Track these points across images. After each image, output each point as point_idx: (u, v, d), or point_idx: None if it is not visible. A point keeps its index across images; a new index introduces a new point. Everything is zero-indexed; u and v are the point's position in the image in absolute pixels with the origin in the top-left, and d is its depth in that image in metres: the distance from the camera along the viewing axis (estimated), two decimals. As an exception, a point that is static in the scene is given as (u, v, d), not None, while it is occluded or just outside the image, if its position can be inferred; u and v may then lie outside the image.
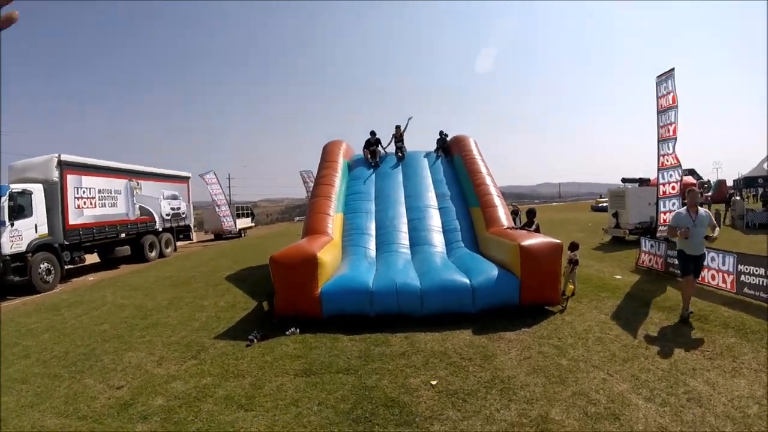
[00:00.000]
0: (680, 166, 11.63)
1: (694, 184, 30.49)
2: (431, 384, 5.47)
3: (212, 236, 35.79)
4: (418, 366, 6.04)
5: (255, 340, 7.37)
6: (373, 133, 14.85)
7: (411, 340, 7.02)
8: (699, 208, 7.42)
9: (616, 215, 18.12)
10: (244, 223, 37.52)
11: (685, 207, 7.73)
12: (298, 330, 7.68)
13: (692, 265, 7.50)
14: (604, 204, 32.73)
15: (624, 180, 19.80)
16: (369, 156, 14.81)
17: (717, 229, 7.65)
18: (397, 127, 15.25)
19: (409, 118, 14.64)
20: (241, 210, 38.39)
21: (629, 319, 7.59)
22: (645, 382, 5.18)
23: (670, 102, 11.50)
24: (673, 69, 11.43)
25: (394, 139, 15.29)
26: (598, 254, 14.82)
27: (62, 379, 6.44)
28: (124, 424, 4.97)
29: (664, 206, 12.01)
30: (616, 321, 7.55)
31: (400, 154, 15.10)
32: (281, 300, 8.24)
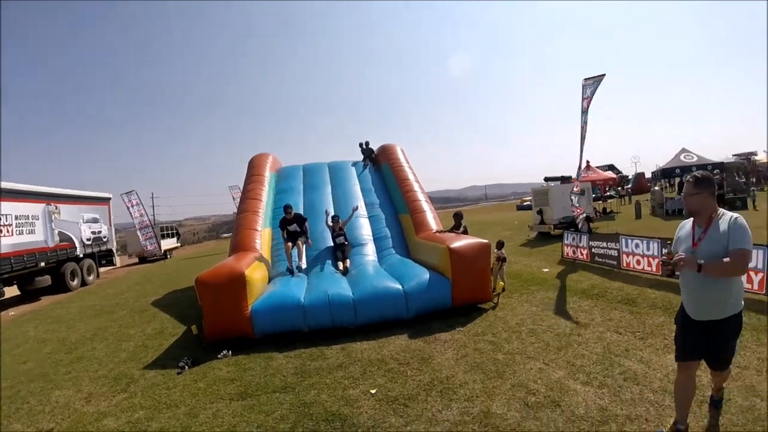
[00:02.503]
0: (583, 165, 12.32)
1: (613, 179, 32.04)
2: (371, 393, 5.37)
3: (136, 260, 34.14)
4: (356, 376, 5.93)
5: (186, 367, 7.05)
6: (287, 210, 10.67)
7: (347, 351, 6.90)
8: (721, 214, 3.54)
9: (540, 212, 18.87)
10: (169, 243, 36.14)
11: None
12: (230, 352, 7.42)
13: (694, 338, 3.77)
14: (529, 203, 33.80)
15: (546, 179, 20.58)
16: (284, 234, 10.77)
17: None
18: (335, 219, 11.05)
19: (354, 209, 11.90)
20: (165, 230, 36.98)
21: (560, 309, 7.79)
22: (581, 368, 5.30)
23: (587, 105, 12.18)
24: (603, 75, 12.07)
25: (331, 229, 11.22)
26: (526, 250, 15.22)
27: None
28: None
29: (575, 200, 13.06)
30: (548, 312, 7.72)
31: (340, 254, 10.62)
32: (211, 322, 7.91)
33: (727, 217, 3.49)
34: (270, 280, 9.57)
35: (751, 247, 3.38)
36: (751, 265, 7.53)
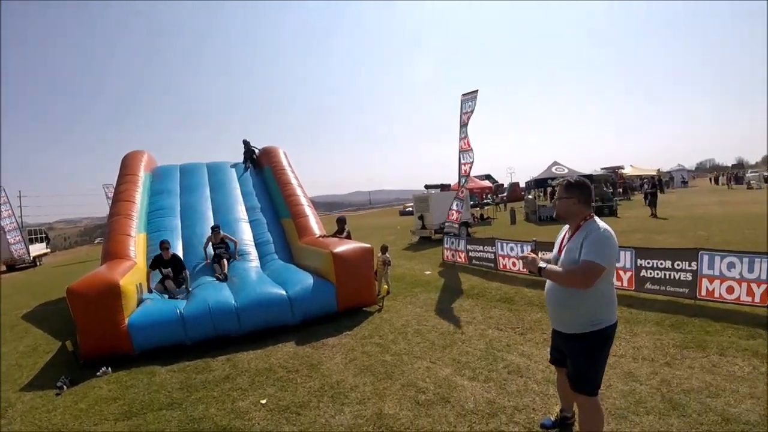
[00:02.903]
0: (467, 175, 13.18)
1: (489, 188, 33.67)
2: (261, 403, 5.20)
3: (3, 267, 29.52)
4: (245, 387, 5.73)
5: (65, 387, 6.45)
6: (164, 247, 9.34)
7: (233, 362, 6.64)
8: (589, 223, 3.32)
9: (421, 218, 19.47)
10: (38, 249, 32.05)
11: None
12: (110, 369, 6.90)
13: (555, 345, 3.79)
14: (411, 209, 34.55)
15: (427, 186, 21.22)
16: None
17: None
18: (215, 230, 10.56)
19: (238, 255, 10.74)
20: (34, 234, 32.69)
21: (443, 309, 8.02)
22: (466, 364, 5.46)
23: (467, 120, 12.69)
24: (476, 91, 12.62)
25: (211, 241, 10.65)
26: (409, 254, 15.57)
27: None
28: None
29: (455, 206, 13.44)
30: (431, 312, 7.93)
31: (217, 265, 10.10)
32: (86, 337, 7.27)
33: (594, 226, 3.24)
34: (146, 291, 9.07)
35: (602, 262, 3.07)
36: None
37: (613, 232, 3.22)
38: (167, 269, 9.10)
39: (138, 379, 6.44)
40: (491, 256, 10.75)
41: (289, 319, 7.85)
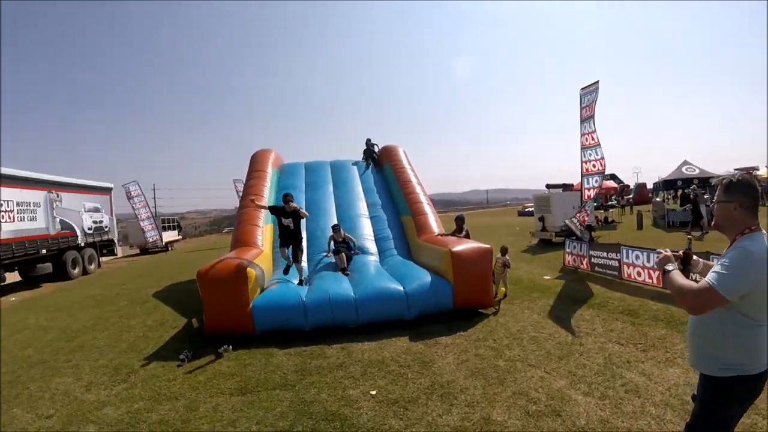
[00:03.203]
0: (603, 172, 12.01)
1: (614, 189, 31.93)
2: (371, 394, 5.36)
3: (137, 251, 34.00)
4: (357, 377, 5.93)
5: (186, 360, 7.05)
6: (287, 199, 9.65)
7: (347, 351, 6.90)
8: (747, 237, 2.53)
9: (542, 219, 18.72)
10: (170, 236, 36.02)
11: None
12: (230, 347, 7.41)
13: None
14: (530, 209, 33.66)
15: (548, 186, 20.52)
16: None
17: None
18: (336, 229, 10.86)
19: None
20: (167, 222, 36.79)
21: (561, 317, 7.76)
22: (582, 378, 5.27)
23: (591, 112, 11.93)
24: (597, 82, 11.84)
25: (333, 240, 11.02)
26: (527, 256, 15.19)
27: None
28: None
29: (587, 208, 12.47)
30: (549, 320, 7.70)
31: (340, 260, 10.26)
32: (211, 317, 7.91)
33: (748, 243, 2.45)
34: (271, 277, 9.60)
35: (721, 290, 2.33)
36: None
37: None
38: (288, 219, 9.44)
39: (256, 359, 6.88)
40: (615, 263, 10.20)
41: (404, 315, 8.00)
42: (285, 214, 9.42)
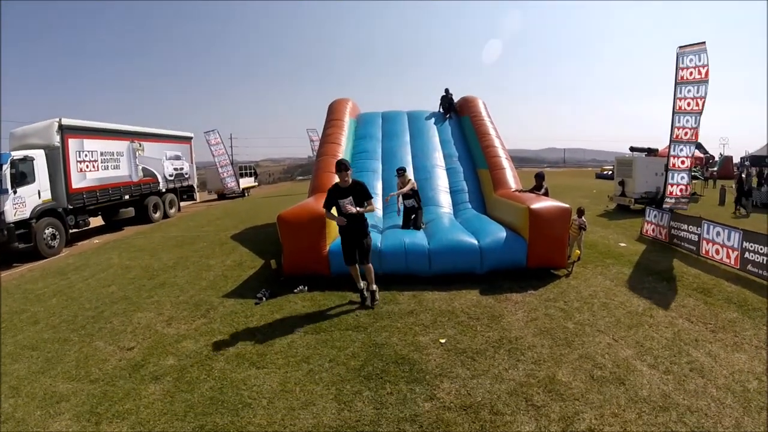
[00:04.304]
0: (695, 142, 11.21)
1: (699, 159, 30.02)
2: (440, 342, 5.58)
3: (215, 196, 35.56)
4: (427, 324, 6.15)
5: (264, 298, 7.44)
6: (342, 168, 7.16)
7: (419, 299, 7.11)
8: None
9: (622, 183, 17.95)
10: (247, 182, 37.25)
11: None
12: (306, 288, 7.75)
13: None
14: (609, 172, 32.42)
15: (632, 149, 19.56)
16: None
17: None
18: (401, 173, 9.91)
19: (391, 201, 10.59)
20: (244, 170, 38.06)
21: (634, 286, 7.65)
22: (649, 350, 5.26)
23: (698, 76, 10.85)
24: (704, 42, 10.93)
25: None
26: (603, 221, 14.81)
27: (72, 343, 6.42)
28: (137, 385, 5.04)
29: (673, 178, 11.55)
30: (621, 288, 7.60)
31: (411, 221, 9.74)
32: (289, 258, 8.27)
33: None
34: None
35: None
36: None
37: None
38: (346, 199, 6.79)
39: (330, 300, 7.23)
40: (695, 238, 9.81)
41: (476, 269, 8.11)
42: (340, 193, 6.84)
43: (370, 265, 7.02)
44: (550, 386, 4.46)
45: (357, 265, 7.01)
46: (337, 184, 6.98)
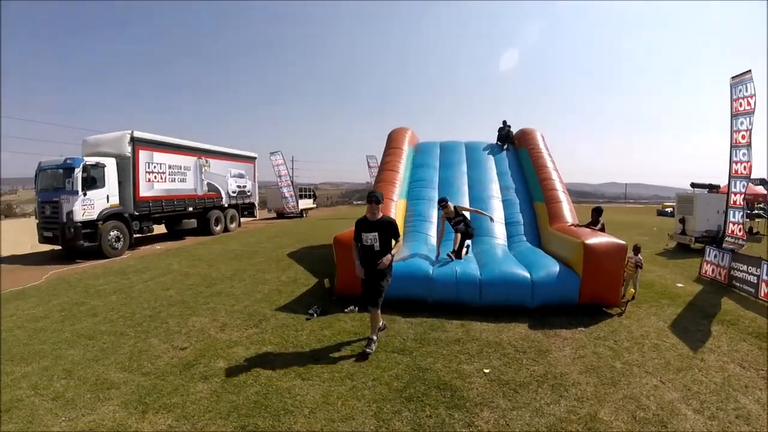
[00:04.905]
0: (748, 176, 10.82)
1: (763, 196, 28.63)
2: (484, 372, 5.65)
3: (275, 215, 37.11)
4: (473, 353, 6.23)
5: (315, 315, 7.73)
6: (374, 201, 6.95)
7: (467, 328, 7.20)
8: None
9: (682, 221, 17.26)
10: (306, 203, 38.53)
11: None
12: (356, 308, 7.99)
13: None
14: (670, 209, 31.38)
15: (693, 185, 18.83)
16: None
17: None
18: (443, 204, 9.59)
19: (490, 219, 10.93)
20: (303, 191, 39.42)
21: (687, 328, 7.48)
22: (696, 394, 5.17)
23: (746, 106, 10.67)
24: (749, 71, 10.66)
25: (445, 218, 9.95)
26: (662, 260, 14.43)
27: (128, 337, 7.01)
28: (186, 383, 5.42)
29: (733, 216, 11.22)
30: (674, 329, 7.44)
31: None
32: (342, 278, 8.56)
33: None
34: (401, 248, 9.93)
35: None
36: None
37: None
38: (370, 234, 6.31)
39: None
40: (754, 279, 9.43)
41: (527, 302, 8.09)
42: (367, 226, 6.41)
43: (378, 311, 6.48)
44: (590, 424, 4.47)
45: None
46: (365, 216, 6.47)
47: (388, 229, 6.33)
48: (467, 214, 9.80)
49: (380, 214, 6.38)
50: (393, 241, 6.42)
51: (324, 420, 4.56)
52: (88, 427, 4.54)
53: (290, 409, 4.76)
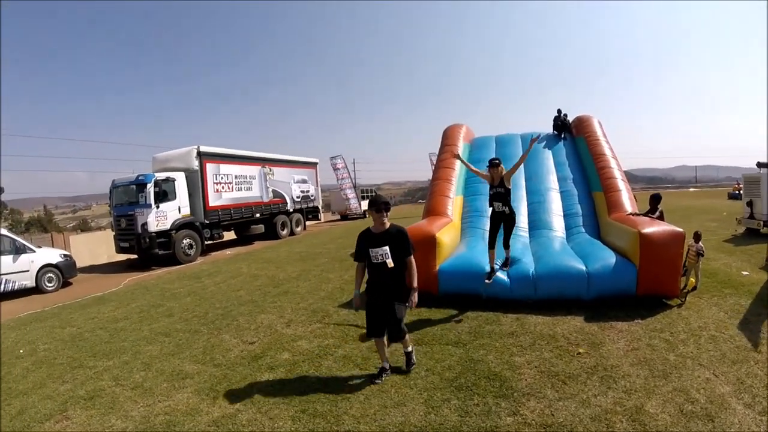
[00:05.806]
0: None
1: None
2: (534, 364, 5.82)
3: (338, 217, 38.66)
4: (525, 346, 6.41)
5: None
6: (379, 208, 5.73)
7: (521, 322, 7.37)
8: None
9: (750, 204, 16.02)
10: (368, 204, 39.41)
11: None
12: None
13: None
14: (740, 191, 30.00)
15: (759, 164, 16.52)
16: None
17: None
18: (495, 164, 8.18)
19: (535, 138, 9.40)
20: (365, 192, 40.62)
21: (749, 320, 7.30)
22: (749, 388, 5.09)
23: None
24: None
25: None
26: (729, 247, 13.88)
27: (201, 334, 7.74)
28: (254, 372, 6.02)
29: None
30: (735, 320, 7.27)
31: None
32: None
33: None
34: (458, 245, 10.20)
35: None
36: None
37: None
38: (380, 249, 5.42)
39: (435, 317, 7.78)
40: None
41: (583, 294, 8.12)
42: (373, 240, 5.56)
43: (407, 338, 5.71)
44: (635, 416, 4.55)
45: (385, 339, 5.73)
46: (369, 228, 5.64)
47: (400, 241, 5.44)
48: (510, 183, 8.24)
49: (388, 224, 5.51)
50: (406, 260, 5.46)
51: (377, 406, 4.95)
52: (163, 412, 5.17)
53: (347, 396, 5.19)
